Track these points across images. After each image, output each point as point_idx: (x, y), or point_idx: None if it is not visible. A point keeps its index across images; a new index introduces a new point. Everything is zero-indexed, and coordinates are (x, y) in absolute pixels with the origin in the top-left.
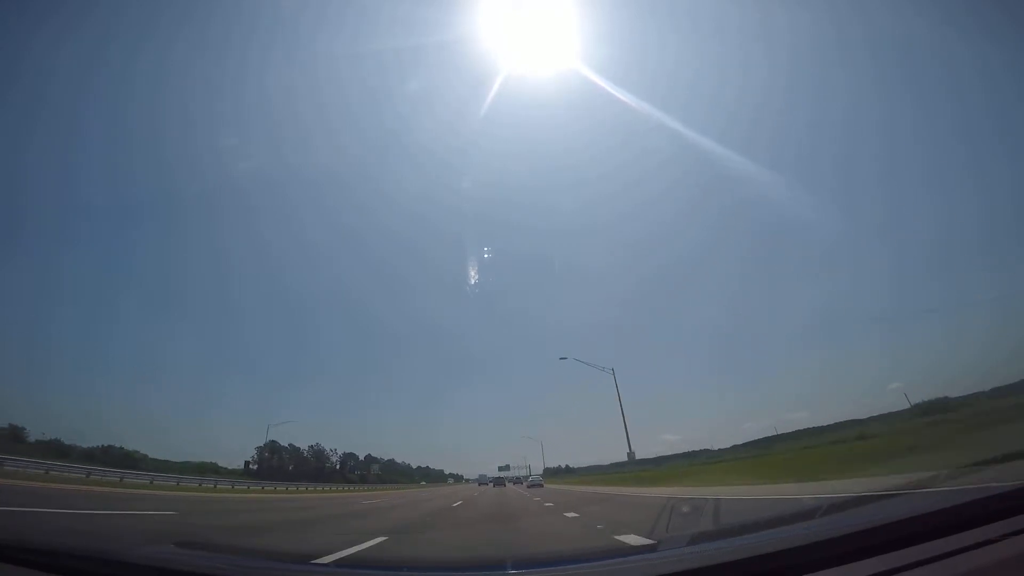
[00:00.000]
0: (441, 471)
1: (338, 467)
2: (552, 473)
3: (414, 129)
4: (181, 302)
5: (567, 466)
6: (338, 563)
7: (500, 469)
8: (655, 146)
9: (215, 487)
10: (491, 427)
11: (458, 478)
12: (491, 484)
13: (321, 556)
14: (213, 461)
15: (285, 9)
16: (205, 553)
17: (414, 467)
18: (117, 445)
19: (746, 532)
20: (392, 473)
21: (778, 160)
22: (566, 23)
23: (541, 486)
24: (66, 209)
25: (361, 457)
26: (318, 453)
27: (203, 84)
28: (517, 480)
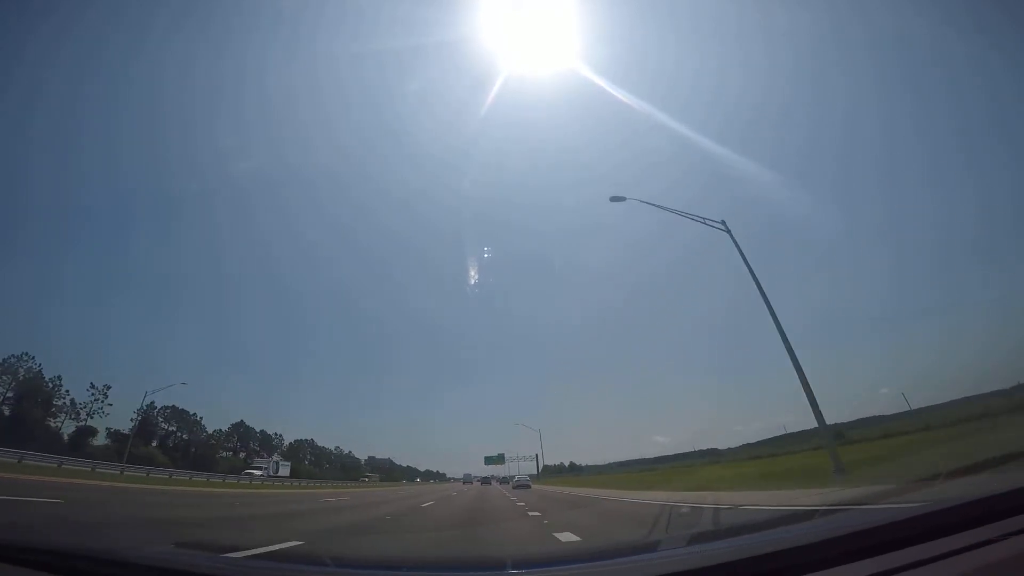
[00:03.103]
0: (389, 460)
1: (156, 442)
2: (554, 471)
3: (414, 129)
4: (177, 300)
5: (571, 463)
6: (337, 563)
7: (487, 461)
8: (655, 146)
9: None
10: (489, 426)
11: (405, 473)
12: (477, 482)
13: None
14: None
15: (285, 9)
16: (205, 553)
17: (363, 460)
18: None
19: (745, 532)
20: (317, 467)
21: (778, 160)
22: (566, 23)
23: (528, 487)
24: (64, 209)
25: (234, 431)
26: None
27: (203, 84)
28: (504, 480)
